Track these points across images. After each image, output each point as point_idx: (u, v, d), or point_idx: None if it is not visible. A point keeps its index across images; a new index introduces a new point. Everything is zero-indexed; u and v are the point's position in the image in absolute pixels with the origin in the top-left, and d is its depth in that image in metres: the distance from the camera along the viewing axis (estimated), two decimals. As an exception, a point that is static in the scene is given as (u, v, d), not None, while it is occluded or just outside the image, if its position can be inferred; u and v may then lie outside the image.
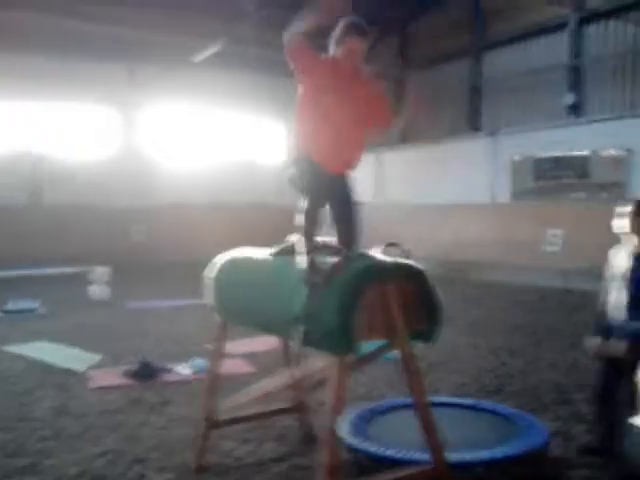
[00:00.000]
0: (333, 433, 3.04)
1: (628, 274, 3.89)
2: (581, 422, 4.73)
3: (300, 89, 3.34)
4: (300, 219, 3.27)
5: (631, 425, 3.26)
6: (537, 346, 7.44)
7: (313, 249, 3.24)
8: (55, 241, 15.59)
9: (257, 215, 18.21)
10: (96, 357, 6.90)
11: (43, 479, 3.86)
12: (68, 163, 16.93)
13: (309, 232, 3.24)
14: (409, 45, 18.17)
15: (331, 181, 3.30)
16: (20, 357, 6.93)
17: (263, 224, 16.68)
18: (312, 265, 3.20)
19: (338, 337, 2.97)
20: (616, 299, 3.93)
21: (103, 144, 17.72)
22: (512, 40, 15.26)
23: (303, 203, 3.24)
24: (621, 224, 3.99)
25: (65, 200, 16.50)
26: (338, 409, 3.04)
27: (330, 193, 3.34)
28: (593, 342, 4.00)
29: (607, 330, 3.92)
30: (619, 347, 3.73)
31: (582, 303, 10.21)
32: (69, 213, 16.42)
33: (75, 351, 7.18)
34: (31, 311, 9.85)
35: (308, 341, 3.13)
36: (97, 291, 11.06)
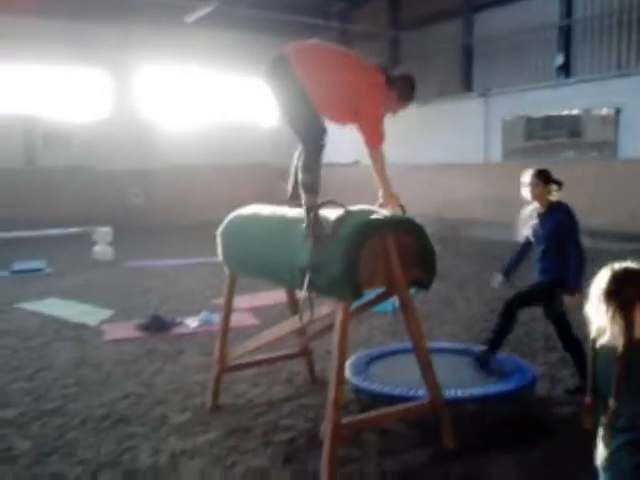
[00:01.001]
0: (339, 371, 3.37)
1: (532, 231, 4.70)
2: (567, 367, 5.08)
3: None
4: (302, 173, 3.54)
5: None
6: (526, 298, 7.81)
7: (317, 204, 3.51)
8: (50, 204, 15.74)
9: (255, 176, 18.42)
10: (107, 312, 7.23)
11: (70, 420, 4.21)
12: (63, 126, 17.01)
13: (313, 187, 3.50)
14: (401, 5, 18.14)
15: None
16: (34, 313, 7.26)
17: (261, 184, 16.93)
18: (316, 220, 3.48)
19: (343, 283, 3.29)
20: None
21: (98, 106, 17.76)
22: (503, 0, 15.31)
23: (303, 158, 3.50)
24: (524, 192, 4.71)
25: (60, 163, 16.62)
26: (343, 349, 3.37)
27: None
28: (496, 278, 5.04)
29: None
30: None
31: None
32: (64, 176, 16.53)
33: (86, 307, 7.51)
34: (38, 271, 10.13)
35: (315, 288, 3.45)
36: (101, 251, 11.34)
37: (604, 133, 12.91)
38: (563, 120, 13.69)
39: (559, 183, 4.61)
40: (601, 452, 2.10)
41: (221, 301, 7.27)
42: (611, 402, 2.00)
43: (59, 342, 6.11)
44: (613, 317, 1.99)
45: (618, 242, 11.28)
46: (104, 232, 11.57)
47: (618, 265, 2.06)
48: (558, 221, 4.51)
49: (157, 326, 6.38)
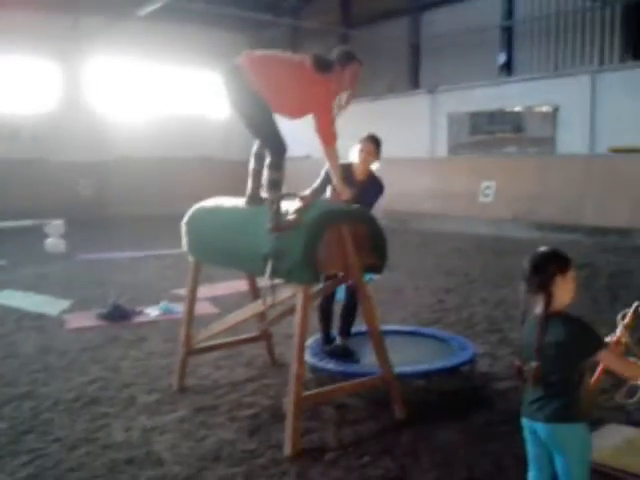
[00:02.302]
0: (300, 348, 3.69)
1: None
2: (508, 346, 5.55)
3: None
4: (267, 170, 3.84)
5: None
6: (470, 285, 8.31)
7: (279, 197, 3.82)
8: (1, 196, 15.50)
9: (205, 169, 18.54)
10: (66, 302, 7.35)
11: (42, 402, 4.40)
12: (11, 118, 16.74)
13: (276, 181, 3.81)
14: (351, 3, 18.52)
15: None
16: (-8, 305, 7.31)
17: (211, 178, 17.07)
18: (278, 211, 3.79)
19: (303, 269, 3.61)
20: None
21: (47, 97, 17.54)
22: (449, 0, 15.88)
23: (270, 159, 3.81)
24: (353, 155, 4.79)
25: (10, 155, 16.36)
26: (304, 328, 3.69)
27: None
28: None
29: None
30: None
31: (510, 248, 11.22)
32: (14, 168, 16.28)
33: (44, 298, 7.60)
34: (-11, 264, 10.06)
35: (277, 274, 3.76)
36: (53, 244, 11.33)
37: (544, 130, 13.63)
38: (506, 116, 14.36)
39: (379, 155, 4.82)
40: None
41: (179, 291, 7.56)
42: (533, 363, 2.39)
43: (21, 332, 6.23)
44: (537, 291, 2.38)
45: (560, 233, 11.95)
46: (56, 225, 11.55)
47: (541, 248, 2.47)
48: (379, 191, 4.77)
49: (118, 315, 6.56)
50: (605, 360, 2.44)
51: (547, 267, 2.37)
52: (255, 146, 4.15)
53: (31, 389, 4.66)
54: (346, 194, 4.08)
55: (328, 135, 3.90)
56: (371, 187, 4.75)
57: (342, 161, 4.32)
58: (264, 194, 4.00)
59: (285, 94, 3.87)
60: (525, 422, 2.52)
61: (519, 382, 2.58)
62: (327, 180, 4.47)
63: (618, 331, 2.67)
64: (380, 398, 4.18)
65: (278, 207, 3.79)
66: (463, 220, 14.04)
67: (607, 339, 2.62)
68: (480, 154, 14.79)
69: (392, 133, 16.69)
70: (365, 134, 4.82)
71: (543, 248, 2.47)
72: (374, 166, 4.80)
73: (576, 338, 2.35)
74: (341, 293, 4.90)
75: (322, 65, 3.88)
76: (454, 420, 3.99)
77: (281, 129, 3.89)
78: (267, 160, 3.88)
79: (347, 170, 4.57)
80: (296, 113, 3.99)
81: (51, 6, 16.15)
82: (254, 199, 4.14)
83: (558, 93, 13.08)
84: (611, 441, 3.59)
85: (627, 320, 2.70)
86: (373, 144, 4.75)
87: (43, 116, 17.26)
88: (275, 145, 3.83)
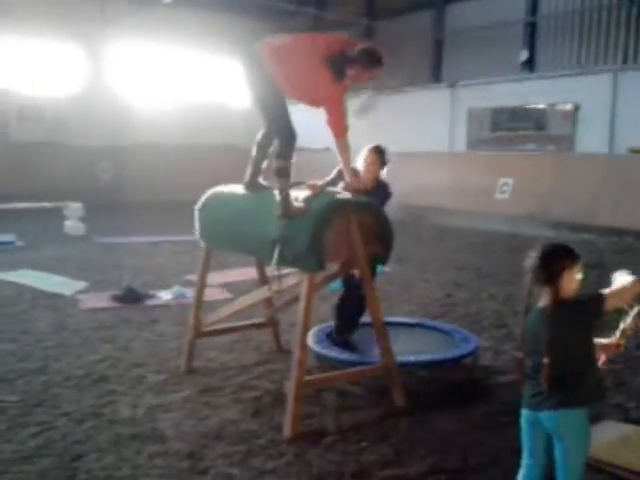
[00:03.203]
0: (303, 334, 3.78)
1: None
2: (512, 341, 5.58)
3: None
4: (276, 159, 3.91)
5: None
6: (481, 281, 8.33)
7: (288, 185, 3.90)
8: (22, 178, 15.71)
9: (226, 157, 18.60)
10: (81, 283, 7.51)
11: (54, 378, 4.55)
12: (36, 100, 16.99)
13: (284, 169, 3.88)
14: (376, -5, 18.50)
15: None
16: (9, 283, 7.49)
17: (233, 165, 17.12)
18: (287, 199, 3.87)
19: (310, 256, 3.69)
20: None
21: (72, 81, 17.75)
22: (474, -6, 15.82)
23: (279, 147, 3.89)
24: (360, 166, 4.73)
25: (33, 137, 16.62)
26: (308, 314, 3.77)
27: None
28: None
29: None
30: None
31: (524, 246, 11.11)
32: (37, 150, 16.51)
33: (60, 278, 7.77)
34: (9, 244, 10.27)
35: (284, 261, 3.85)
36: (72, 226, 11.53)
37: (564, 127, 13.55)
38: (528, 113, 14.28)
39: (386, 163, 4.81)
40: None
41: (192, 277, 7.67)
42: (544, 360, 2.42)
43: (36, 310, 6.39)
44: (544, 284, 2.45)
45: (574, 233, 11.89)
46: (75, 207, 11.75)
47: (549, 242, 2.54)
48: (386, 197, 4.76)
49: (131, 297, 6.69)
50: (611, 303, 2.46)
51: (556, 260, 2.43)
52: (259, 135, 4.22)
53: (43, 365, 4.81)
54: (357, 183, 4.12)
55: (338, 127, 3.93)
56: (377, 193, 4.78)
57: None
58: (262, 181, 4.12)
59: (299, 85, 3.93)
60: (526, 413, 2.57)
61: (519, 375, 2.62)
62: (339, 177, 4.49)
63: (618, 333, 2.68)
64: (382, 386, 4.26)
65: (287, 194, 3.88)
66: (479, 216, 14.01)
67: (605, 341, 2.66)
68: (499, 150, 14.74)
69: (411, 126, 16.76)
70: (370, 145, 4.83)
71: (552, 242, 2.53)
72: (382, 173, 4.82)
73: (580, 309, 2.43)
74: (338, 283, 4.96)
75: (336, 69, 3.87)
76: (453, 410, 4.06)
77: (295, 120, 3.94)
78: (276, 148, 3.95)
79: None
80: (309, 102, 4.03)
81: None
82: (251, 186, 4.25)
83: (579, 91, 12.98)
84: (607, 437, 3.64)
85: (626, 325, 2.69)
86: (375, 154, 4.76)
87: (67, 99, 17.47)
88: (285, 133, 3.89)
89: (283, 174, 3.86)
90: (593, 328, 2.49)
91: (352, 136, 3.99)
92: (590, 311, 2.45)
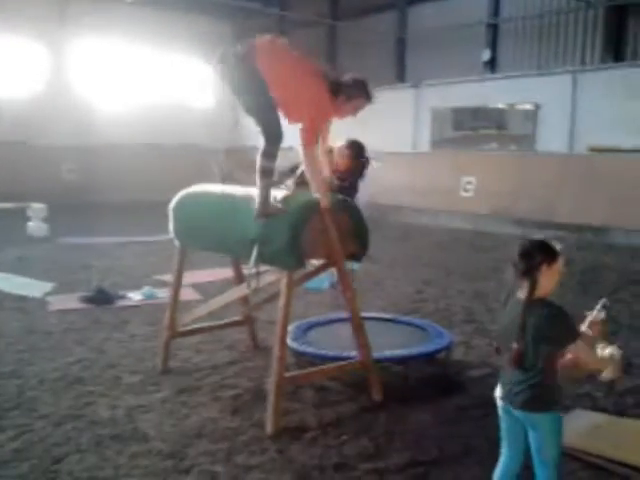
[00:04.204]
0: (283, 331, 3.82)
1: None
2: (482, 336, 5.73)
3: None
4: (259, 158, 3.90)
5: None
6: (449, 278, 8.49)
7: (268, 184, 3.92)
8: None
9: (190, 157, 18.50)
10: (48, 285, 7.39)
11: (28, 381, 4.49)
12: (-6, 99, 16.61)
13: (267, 169, 3.90)
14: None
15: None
16: (-26, 286, 7.33)
17: (194, 165, 17.03)
18: (267, 199, 3.90)
19: (288, 254, 3.74)
20: None
21: (32, 80, 17.39)
22: (436, -5, 16.06)
23: (264, 146, 3.89)
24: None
25: (-8, 137, 16.24)
26: (287, 311, 3.81)
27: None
28: None
29: None
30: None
31: (489, 243, 11.45)
32: (-3, 150, 16.18)
33: (27, 280, 7.63)
34: (-30, 246, 10.02)
35: (262, 259, 3.88)
36: (35, 227, 11.31)
37: (525, 127, 13.87)
38: (489, 113, 14.57)
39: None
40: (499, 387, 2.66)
41: (162, 277, 7.64)
42: (514, 345, 2.52)
43: (4, 312, 6.28)
44: (522, 276, 2.52)
45: (535, 229, 12.17)
46: (38, 208, 11.52)
47: (529, 237, 2.61)
48: (361, 170, 4.92)
49: (101, 299, 6.63)
50: (576, 350, 2.51)
51: (535, 255, 2.50)
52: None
53: (16, 368, 4.74)
54: (324, 202, 3.89)
55: (309, 137, 3.84)
56: (353, 171, 4.81)
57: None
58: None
59: (287, 89, 3.87)
60: (500, 403, 2.67)
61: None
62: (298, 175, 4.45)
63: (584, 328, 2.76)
64: (358, 381, 4.34)
65: (267, 194, 3.90)
66: (443, 214, 14.24)
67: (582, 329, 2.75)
68: (462, 150, 15.00)
69: (375, 126, 16.85)
70: (350, 137, 4.85)
71: (536, 237, 2.60)
72: (374, 164, 4.90)
73: (554, 325, 2.47)
74: (323, 282, 5.02)
75: (333, 89, 3.89)
76: (428, 403, 4.16)
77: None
78: (260, 147, 3.89)
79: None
80: (292, 111, 3.92)
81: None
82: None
83: (539, 91, 13.31)
84: (579, 425, 3.77)
85: (598, 328, 2.70)
86: (349, 149, 4.79)
87: (27, 98, 17.11)
88: (270, 133, 3.85)
89: (266, 174, 3.87)
90: (556, 347, 2.52)
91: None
92: (556, 335, 2.47)
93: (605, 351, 2.63)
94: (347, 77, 3.99)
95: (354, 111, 4.05)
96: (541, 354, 2.49)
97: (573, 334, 2.48)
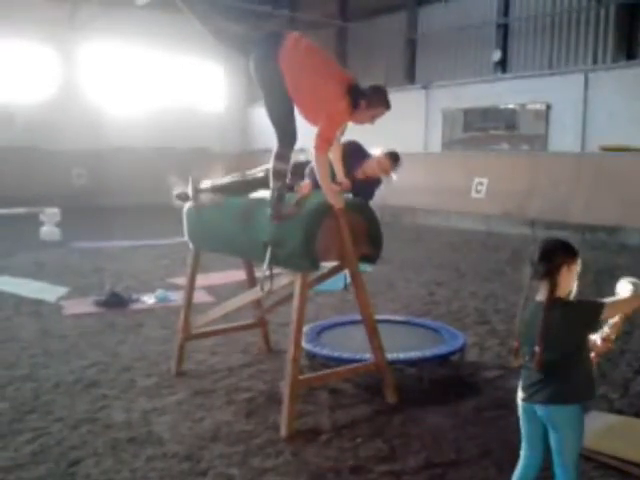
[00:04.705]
0: (297, 332, 3.82)
1: None
2: (495, 337, 5.71)
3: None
4: (274, 160, 3.90)
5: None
6: (461, 279, 8.46)
7: (282, 187, 3.93)
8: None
9: (200, 160, 18.55)
10: (63, 289, 7.44)
11: (43, 384, 4.51)
12: (6, 104, 16.73)
13: (280, 172, 3.90)
14: (349, -4, 18.62)
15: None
16: (-11, 290, 7.39)
17: (206, 169, 17.09)
18: (281, 201, 3.90)
19: (302, 256, 3.74)
20: None
21: (43, 85, 17.52)
22: (446, -4, 16.02)
23: (278, 148, 3.89)
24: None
25: (4, 142, 16.36)
26: (301, 313, 3.81)
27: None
28: None
29: None
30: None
31: (500, 244, 11.41)
32: (7, 155, 16.29)
33: (41, 284, 7.69)
34: (-16, 251, 10.11)
35: (276, 261, 3.89)
36: (48, 232, 11.39)
37: (536, 127, 13.81)
38: (500, 113, 14.51)
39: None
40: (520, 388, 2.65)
41: (174, 280, 7.68)
42: (536, 348, 2.50)
43: (20, 317, 6.33)
44: (542, 278, 2.50)
45: (546, 230, 12.12)
46: (51, 213, 11.61)
47: (548, 237, 2.60)
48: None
49: (115, 302, 6.66)
50: (611, 313, 2.52)
51: (556, 256, 2.48)
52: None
53: (31, 372, 4.77)
54: (338, 204, 3.87)
55: (322, 141, 3.79)
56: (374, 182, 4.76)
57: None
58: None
59: (308, 94, 3.85)
60: (522, 403, 2.65)
61: (515, 363, 2.69)
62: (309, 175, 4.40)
63: (607, 329, 2.74)
64: (373, 384, 4.34)
65: (280, 196, 3.91)
66: (455, 215, 14.19)
67: (594, 336, 2.73)
68: (473, 150, 14.95)
69: (386, 127, 16.83)
70: (392, 149, 4.74)
71: (553, 237, 2.59)
72: (394, 177, 4.72)
73: (578, 313, 2.48)
74: (338, 282, 4.99)
75: (353, 97, 3.84)
76: (443, 405, 4.14)
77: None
78: (275, 150, 3.90)
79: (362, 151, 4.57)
80: (310, 112, 3.91)
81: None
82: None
83: (551, 91, 13.25)
84: (594, 427, 3.74)
85: (611, 332, 2.71)
86: (391, 162, 4.62)
87: (38, 103, 17.24)
88: (284, 135, 3.86)
89: (280, 176, 3.88)
90: (588, 332, 2.55)
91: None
92: (587, 317, 2.49)
93: (628, 288, 2.60)
94: (366, 85, 3.95)
95: (372, 119, 4.02)
96: (571, 346, 2.49)
97: (597, 307, 2.47)
